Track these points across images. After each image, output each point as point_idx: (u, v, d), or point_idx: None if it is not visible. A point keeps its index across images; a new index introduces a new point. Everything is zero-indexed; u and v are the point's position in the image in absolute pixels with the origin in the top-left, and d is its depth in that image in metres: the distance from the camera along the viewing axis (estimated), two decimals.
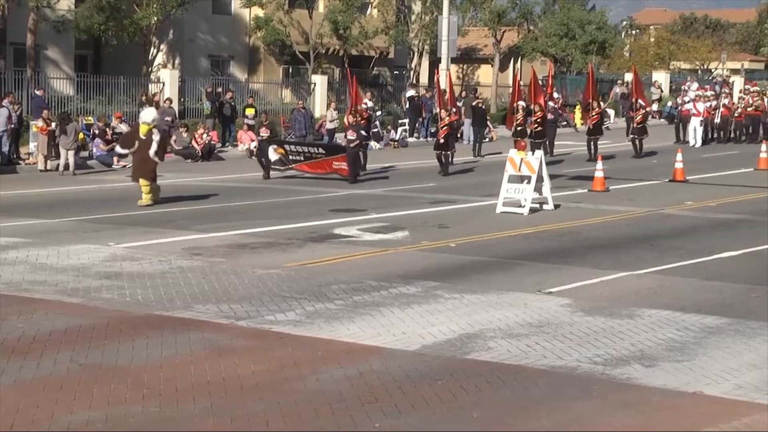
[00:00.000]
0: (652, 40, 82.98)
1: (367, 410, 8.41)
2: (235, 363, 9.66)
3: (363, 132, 27.34)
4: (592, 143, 31.97)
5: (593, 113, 32.24)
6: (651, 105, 44.91)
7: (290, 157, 26.74)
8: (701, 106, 38.95)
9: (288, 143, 28.11)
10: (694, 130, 38.68)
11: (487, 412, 8.42)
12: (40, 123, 29.44)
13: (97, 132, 31.68)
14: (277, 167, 26.82)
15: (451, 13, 47.01)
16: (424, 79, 53.40)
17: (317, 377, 9.26)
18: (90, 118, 33.12)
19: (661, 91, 54.88)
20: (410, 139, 40.58)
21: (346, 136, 27.56)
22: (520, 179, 20.80)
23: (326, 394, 8.78)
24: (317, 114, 41.38)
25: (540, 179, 20.73)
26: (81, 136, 30.54)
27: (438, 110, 29.87)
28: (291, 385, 9.05)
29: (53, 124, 29.27)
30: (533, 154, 21.43)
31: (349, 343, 10.50)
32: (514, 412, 8.48)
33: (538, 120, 30.57)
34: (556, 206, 20.93)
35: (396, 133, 39.96)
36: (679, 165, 26.35)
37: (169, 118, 33.94)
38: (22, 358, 9.63)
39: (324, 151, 27.04)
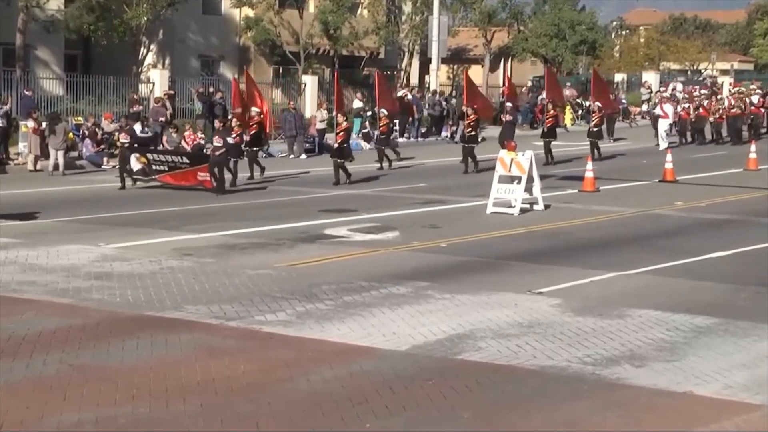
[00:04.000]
0: (642, 40, 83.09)
1: (357, 411, 8.41)
2: (226, 364, 9.66)
3: (230, 139, 24.35)
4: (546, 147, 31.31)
5: (547, 116, 31.68)
6: (617, 107, 43.73)
7: (153, 167, 24.49)
8: (669, 108, 38.53)
9: (151, 152, 25.55)
10: (665, 133, 37.75)
11: (478, 412, 8.43)
12: (30, 123, 29.36)
13: (86, 132, 31.60)
14: (139, 177, 24.69)
15: (441, 14, 47.07)
16: (414, 79, 53.40)
17: (308, 378, 9.26)
18: (80, 118, 33.04)
19: (651, 92, 54.94)
20: (400, 140, 40.55)
21: (213, 143, 25.04)
22: (511, 180, 20.81)
23: (317, 395, 8.78)
24: (307, 114, 41.34)
25: (530, 179, 20.75)
26: (71, 136, 30.46)
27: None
28: (282, 385, 9.05)
29: (43, 124, 29.19)
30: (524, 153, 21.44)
31: (339, 343, 10.51)
32: (505, 412, 8.50)
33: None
34: (547, 207, 20.94)
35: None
36: (669, 165, 26.39)
37: (162, 118, 33.89)
38: (11, 358, 9.61)
39: (188, 161, 24.48)
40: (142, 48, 41.97)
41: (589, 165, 24.58)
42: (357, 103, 42.57)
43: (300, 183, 26.38)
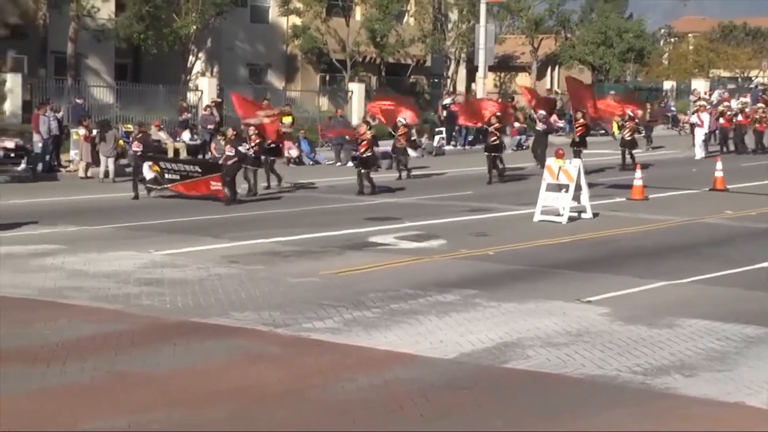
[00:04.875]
0: (691, 47, 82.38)
1: (390, 419, 8.37)
2: (264, 370, 9.67)
3: (242, 148, 23.83)
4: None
5: (576, 124, 30.83)
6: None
7: (166, 176, 24.17)
8: (705, 117, 37.97)
9: (163, 160, 25.51)
10: (702, 142, 37.19)
11: (512, 420, 8.37)
12: (82, 131, 29.69)
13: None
14: (152, 186, 24.36)
15: (488, 21, 46.95)
16: (461, 87, 53.35)
17: (342, 385, 9.24)
18: (129, 125, 33.36)
19: (698, 99, 54.42)
20: (447, 147, 40.52)
21: (224, 152, 24.67)
22: (558, 188, 20.71)
23: (350, 402, 8.74)
24: (354, 122, 41.43)
25: (578, 188, 20.63)
26: (121, 143, 30.76)
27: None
28: (315, 392, 9.04)
29: (93, 132, 29.52)
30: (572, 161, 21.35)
31: (386, 351, 10.49)
32: (548, 420, 8.43)
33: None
34: (595, 215, 20.82)
35: (434, 141, 39.92)
36: (719, 174, 26.13)
37: (211, 126, 34.15)
38: (47, 363, 9.67)
39: (200, 170, 24.08)
40: (190, 56, 42.31)
41: (638, 173, 24.40)
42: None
43: (346, 190, 26.40)
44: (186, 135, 34.01)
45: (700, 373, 9.75)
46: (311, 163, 34.93)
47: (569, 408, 8.74)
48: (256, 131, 25.56)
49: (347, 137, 32.63)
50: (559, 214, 20.38)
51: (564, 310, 12.30)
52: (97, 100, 38.10)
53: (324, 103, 46.26)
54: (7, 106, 34.53)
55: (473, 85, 51.39)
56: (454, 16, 51.94)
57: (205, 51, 43.92)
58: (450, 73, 52.65)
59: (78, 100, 34.20)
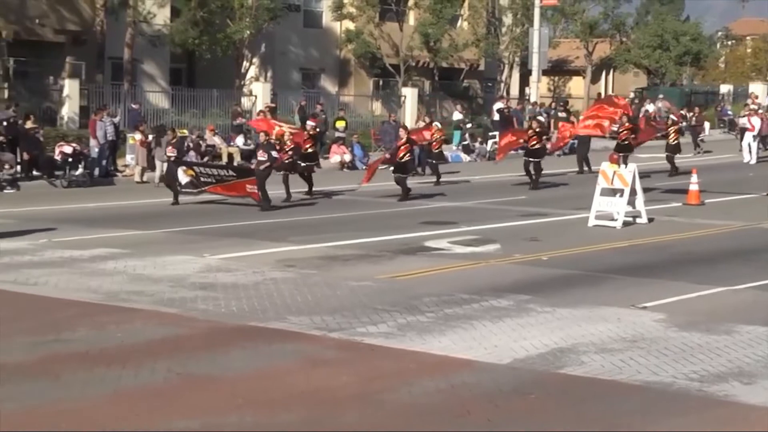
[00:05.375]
0: (749, 50, 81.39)
1: (459, 423, 8.40)
2: (328, 374, 9.73)
3: (274, 153, 23.75)
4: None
5: (621, 129, 30.01)
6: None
7: (201, 179, 24.22)
8: (756, 121, 37.42)
9: (197, 164, 25.68)
10: (748, 146, 36.60)
11: (579, 427, 8.34)
12: (138, 136, 30.03)
13: (191, 144, 32.16)
14: (189, 190, 24.37)
15: (542, 25, 46.82)
16: (514, 91, 53.22)
17: (409, 389, 9.27)
18: (184, 130, 33.66)
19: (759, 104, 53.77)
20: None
21: (257, 157, 24.75)
22: (613, 192, 20.57)
23: (418, 407, 8.79)
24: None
25: (633, 192, 20.48)
26: None
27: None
28: (383, 396, 9.07)
29: (149, 137, 29.84)
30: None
31: (440, 355, 10.49)
32: (605, 427, 8.38)
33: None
34: (650, 220, 20.66)
35: (487, 145, 39.84)
36: None
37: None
38: (120, 366, 9.80)
39: (234, 174, 24.24)
40: (244, 61, 42.62)
41: (694, 178, 24.16)
42: (457, 115, 42.61)
43: (398, 195, 26.41)
44: (240, 140, 34.25)
45: (759, 381, 9.63)
46: (364, 167, 34.98)
47: (630, 415, 8.67)
48: (291, 137, 25.62)
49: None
50: (613, 219, 20.25)
51: (619, 316, 12.21)
52: (153, 105, 38.56)
53: (377, 107, 46.36)
54: (65, 112, 35.02)
55: (527, 89, 51.24)
56: (507, 20, 51.82)
57: (258, 56, 44.21)
58: (503, 77, 52.54)
59: (134, 105, 34.61)
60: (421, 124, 37.46)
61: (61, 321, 11.66)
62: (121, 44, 37.66)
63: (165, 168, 28.71)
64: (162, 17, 39.59)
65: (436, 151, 30.22)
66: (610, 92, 58.68)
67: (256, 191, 23.03)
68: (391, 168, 25.93)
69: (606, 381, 9.62)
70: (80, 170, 29.06)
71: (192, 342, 10.86)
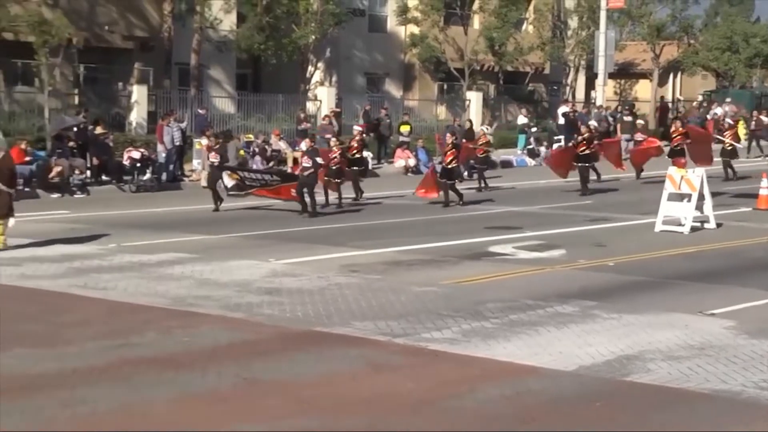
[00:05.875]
0: None
1: (524, 430, 8.37)
2: (393, 380, 9.76)
3: (319, 160, 23.23)
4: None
5: (675, 133, 29.84)
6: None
7: (246, 182, 24.31)
8: None
9: (240, 170, 25.80)
10: None
11: None
12: (204, 141, 30.31)
13: (256, 149, 32.43)
14: (235, 193, 24.40)
15: (609, 28, 46.47)
16: (580, 94, 52.85)
17: (474, 396, 9.26)
18: (250, 135, 33.93)
19: None
20: None
21: (300, 163, 24.38)
22: (680, 197, 20.34)
23: (484, 413, 8.77)
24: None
25: (701, 197, 20.23)
26: (241, 153, 31.32)
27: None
28: (448, 403, 9.07)
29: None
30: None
31: (505, 362, 10.47)
32: None
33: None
34: (718, 225, 20.40)
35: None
36: None
37: (329, 135, 34.47)
38: (188, 370, 9.92)
39: (279, 179, 24.28)
40: (309, 66, 42.85)
41: (764, 182, 23.80)
42: (521, 119, 42.41)
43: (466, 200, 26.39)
44: (305, 144, 34.38)
45: None
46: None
47: (698, 424, 8.58)
48: (338, 143, 25.45)
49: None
50: (680, 224, 20.03)
51: (686, 323, 12.08)
52: (219, 110, 38.91)
53: (441, 111, 46.33)
54: (134, 117, 35.49)
55: (592, 92, 50.87)
56: (573, 23, 51.51)
57: (323, 60, 44.42)
58: (569, 81, 52.22)
59: (200, 111, 34.96)
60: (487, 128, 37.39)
61: (129, 325, 11.83)
62: (188, 50, 38.09)
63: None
64: (228, 23, 39.96)
65: (482, 155, 29.75)
66: (678, 95, 58.05)
67: (300, 196, 22.87)
68: (438, 175, 25.52)
69: (673, 389, 9.53)
70: (148, 175, 29.43)
71: (258, 347, 10.95)
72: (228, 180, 24.40)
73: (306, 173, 23.02)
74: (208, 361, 10.26)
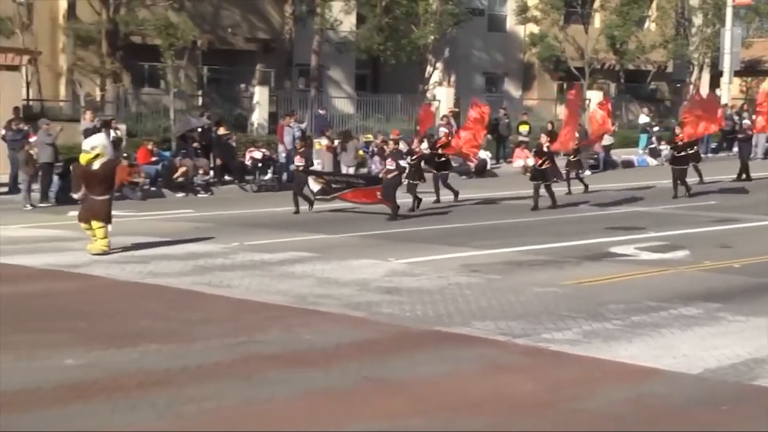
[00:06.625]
0: None
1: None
2: (513, 380, 9.72)
3: (403, 162, 22.96)
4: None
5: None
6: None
7: (332, 186, 23.95)
8: None
9: (325, 173, 25.60)
10: None
11: None
12: (324, 141, 30.66)
13: (375, 149, 32.63)
14: (322, 197, 23.93)
15: (735, 25, 45.42)
16: (704, 93, 51.71)
17: (595, 398, 9.17)
18: (369, 135, 34.17)
19: None
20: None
21: (384, 165, 23.97)
22: None
23: (604, 416, 8.67)
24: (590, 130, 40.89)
25: None
26: (361, 153, 31.58)
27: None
28: (568, 405, 8.99)
29: (335, 142, 30.43)
30: None
31: (627, 364, 10.33)
32: None
33: None
34: None
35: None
36: None
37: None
38: (310, 368, 10.04)
39: (363, 182, 24.10)
40: (428, 66, 42.93)
41: None
42: (643, 118, 41.78)
43: (584, 199, 26.12)
44: (424, 144, 34.44)
45: None
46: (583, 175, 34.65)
47: None
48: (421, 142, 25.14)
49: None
50: None
51: None
52: (338, 111, 39.30)
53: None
54: (255, 118, 36.09)
55: (717, 90, 49.77)
56: (698, 20, 50.47)
57: (442, 60, 44.44)
58: (692, 79, 51.19)
59: (321, 111, 35.36)
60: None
61: (253, 323, 12.03)
62: (309, 51, 38.56)
63: (350, 173, 29.29)
64: (348, 24, 40.32)
65: (574, 159, 28.90)
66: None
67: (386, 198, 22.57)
68: (529, 175, 24.91)
69: None
70: (269, 175, 29.88)
71: (379, 346, 11.02)
72: (314, 184, 24.09)
73: (390, 175, 22.79)
74: (330, 359, 10.37)
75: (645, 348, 10.88)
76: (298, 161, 24.59)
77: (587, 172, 34.30)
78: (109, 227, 17.11)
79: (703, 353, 10.63)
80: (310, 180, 24.06)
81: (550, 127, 34.28)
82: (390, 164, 23.00)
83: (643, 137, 40.32)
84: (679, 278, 15.10)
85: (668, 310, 12.66)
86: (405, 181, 23.81)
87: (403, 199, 23.33)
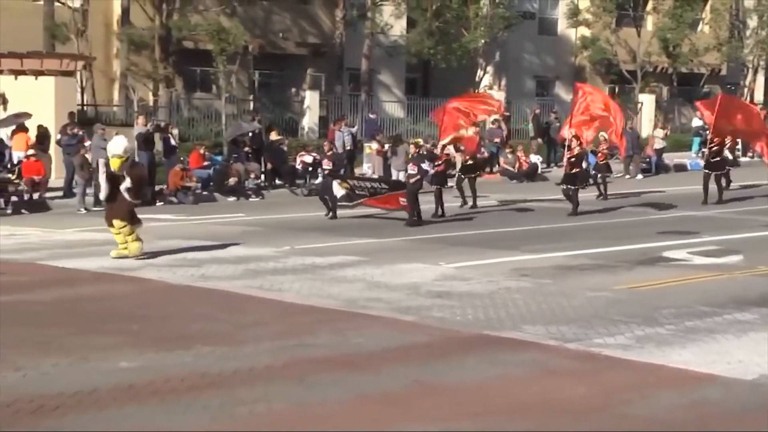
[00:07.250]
0: None
1: None
2: (564, 385, 9.66)
3: (425, 166, 22.51)
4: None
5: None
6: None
7: (356, 191, 23.48)
8: None
9: (351, 178, 25.07)
10: None
11: None
12: (374, 145, 30.71)
13: (424, 153, 32.51)
14: (345, 203, 23.52)
15: None
16: (759, 96, 51.16)
17: (647, 403, 9.08)
18: (419, 139, 34.10)
19: None
20: (744, 159, 38.99)
21: (407, 170, 23.66)
22: None
23: (657, 422, 8.59)
24: (644, 134, 40.62)
25: None
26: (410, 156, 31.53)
27: None
28: (620, 410, 8.92)
29: (385, 146, 30.47)
30: None
31: (681, 369, 10.23)
32: None
33: None
34: None
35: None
36: None
37: (497, 139, 34.44)
38: (360, 371, 10.05)
39: (387, 186, 23.63)
40: (478, 70, 42.85)
41: None
42: (696, 122, 41.36)
43: (637, 203, 25.92)
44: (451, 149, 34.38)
45: None
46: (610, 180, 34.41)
47: None
48: (463, 141, 24.75)
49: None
50: None
51: None
52: (389, 115, 39.36)
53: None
54: (306, 122, 36.25)
55: None
56: (752, 22, 49.91)
57: (492, 64, 44.35)
58: (747, 82, 50.63)
59: (371, 115, 35.43)
60: (661, 131, 36.56)
61: (303, 326, 12.07)
62: (359, 55, 38.66)
63: (400, 177, 29.27)
64: (398, 28, 40.39)
65: (602, 163, 28.41)
66: None
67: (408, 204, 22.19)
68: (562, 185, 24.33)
69: None
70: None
71: (428, 349, 11.01)
72: (338, 189, 23.46)
73: (412, 180, 22.36)
74: (380, 362, 10.38)
75: (699, 353, 10.77)
76: (326, 164, 24.43)
77: (639, 176, 34.08)
78: (137, 228, 17.07)
79: (759, 359, 10.50)
80: (335, 185, 23.64)
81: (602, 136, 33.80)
82: (412, 169, 22.60)
83: (696, 141, 39.95)
84: (733, 283, 14.93)
85: (722, 315, 12.52)
86: (433, 188, 23.61)
87: (426, 205, 23.07)
